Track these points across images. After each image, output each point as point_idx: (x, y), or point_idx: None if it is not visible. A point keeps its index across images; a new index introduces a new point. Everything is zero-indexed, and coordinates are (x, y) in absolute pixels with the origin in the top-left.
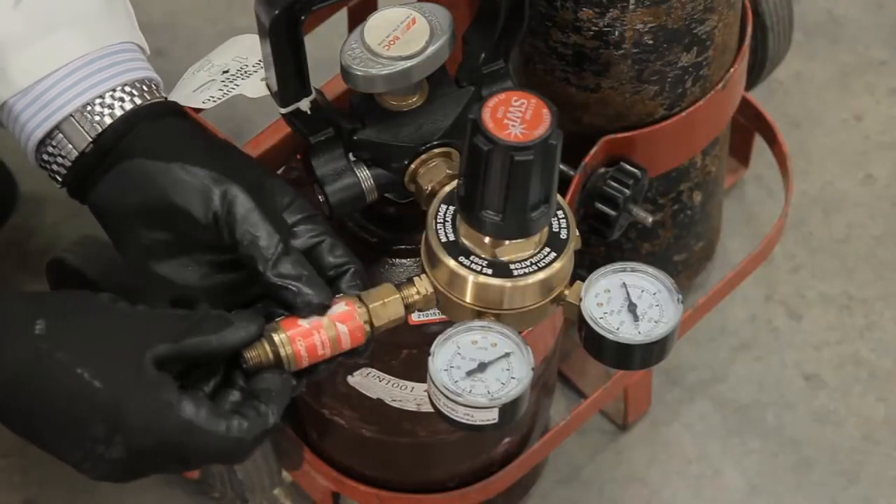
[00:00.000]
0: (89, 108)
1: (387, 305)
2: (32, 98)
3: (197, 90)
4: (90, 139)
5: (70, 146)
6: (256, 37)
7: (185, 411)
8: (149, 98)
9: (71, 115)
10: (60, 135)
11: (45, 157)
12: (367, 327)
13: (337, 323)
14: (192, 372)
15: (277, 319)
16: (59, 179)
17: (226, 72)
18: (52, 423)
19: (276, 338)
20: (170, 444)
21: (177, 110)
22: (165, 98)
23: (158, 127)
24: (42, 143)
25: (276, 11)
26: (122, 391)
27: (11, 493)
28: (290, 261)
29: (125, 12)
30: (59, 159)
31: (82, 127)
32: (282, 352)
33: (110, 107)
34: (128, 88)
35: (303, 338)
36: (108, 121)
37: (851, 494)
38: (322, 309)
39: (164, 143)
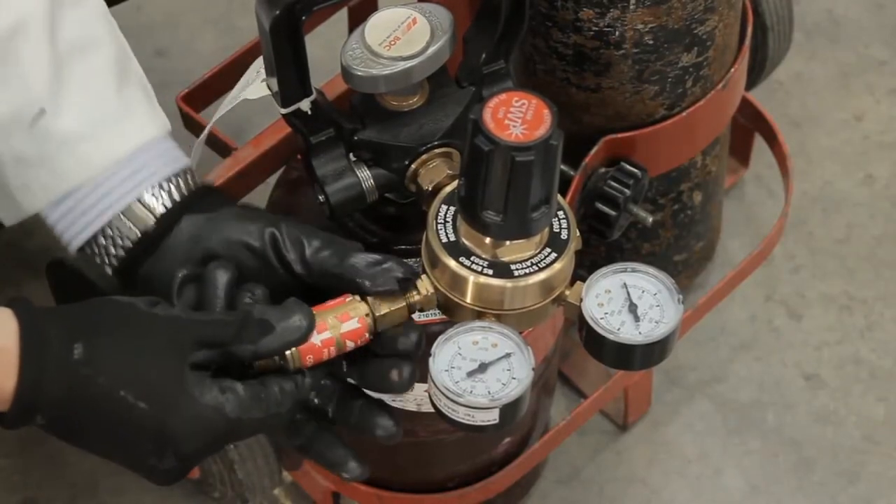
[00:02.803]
0: (136, 206)
1: (392, 318)
2: (70, 206)
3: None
4: (153, 219)
5: (128, 235)
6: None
7: (230, 410)
8: (187, 186)
9: (120, 213)
10: (112, 230)
11: (96, 248)
12: (371, 322)
13: (341, 321)
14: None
15: None
16: (115, 264)
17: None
18: (102, 442)
19: None
20: (219, 441)
21: (214, 190)
22: (202, 185)
23: (203, 198)
24: (89, 241)
25: (277, 12)
26: (167, 409)
27: (11, 493)
28: (363, 250)
29: (146, 105)
30: (112, 249)
31: (133, 223)
32: (287, 354)
33: (157, 199)
34: (171, 182)
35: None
36: (161, 210)
37: (851, 494)
38: (407, 283)
39: (210, 204)
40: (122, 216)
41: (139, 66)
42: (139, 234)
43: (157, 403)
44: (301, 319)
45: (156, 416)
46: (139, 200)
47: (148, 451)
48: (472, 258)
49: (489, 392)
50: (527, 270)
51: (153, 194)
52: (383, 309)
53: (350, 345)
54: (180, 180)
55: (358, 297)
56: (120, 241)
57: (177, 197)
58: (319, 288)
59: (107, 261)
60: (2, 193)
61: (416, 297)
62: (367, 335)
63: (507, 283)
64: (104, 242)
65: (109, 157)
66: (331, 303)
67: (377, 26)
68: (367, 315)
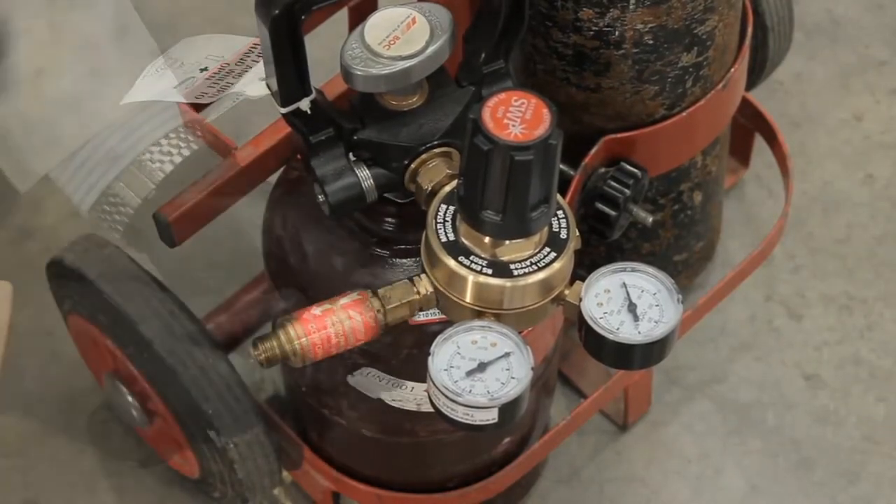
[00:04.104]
0: (133, 171)
1: (399, 295)
2: (76, 167)
3: (180, 86)
4: (153, 185)
5: (129, 203)
6: (211, 36)
7: None
8: (188, 146)
9: (119, 179)
10: (114, 197)
11: (106, 208)
12: (381, 316)
13: (350, 311)
14: None
15: (292, 313)
16: (120, 228)
17: (204, 69)
18: None
19: (290, 331)
20: None
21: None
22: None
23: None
24: (97, 205)
25: (276, 11)
26: None
27: (11, 493)
28: None
29: (148, 64)
30: (117, 216)
31: (133, 190)
32: (295, 346)
33: (153, 163)
34: (169, 141)
35: (317, 330)
36: (160, 175)
37: (851, 494)
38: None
39: None
40: (120, 182)
41: (142, 24)
42: (139, 201)
43: None
44: None
45: None
46: (136, 165)
47: None
48: (471, 258)
49: (488, 391)
50: (526, 270)
51: (150, 159)
52: (393, 301)
53: (360, 339)
54: (180, 141)
55: (369, 293)
56: (122, 209)
57: (178, 160)
58: None
59: (114, 227)
60: (14, 158)
61: (416, 297)
62: (376, 331)
63: (506, 283)
64: (108, 209)
65: (109, 117)
66: (340, 297)
67: (377, 26)
68: (378, 311)
